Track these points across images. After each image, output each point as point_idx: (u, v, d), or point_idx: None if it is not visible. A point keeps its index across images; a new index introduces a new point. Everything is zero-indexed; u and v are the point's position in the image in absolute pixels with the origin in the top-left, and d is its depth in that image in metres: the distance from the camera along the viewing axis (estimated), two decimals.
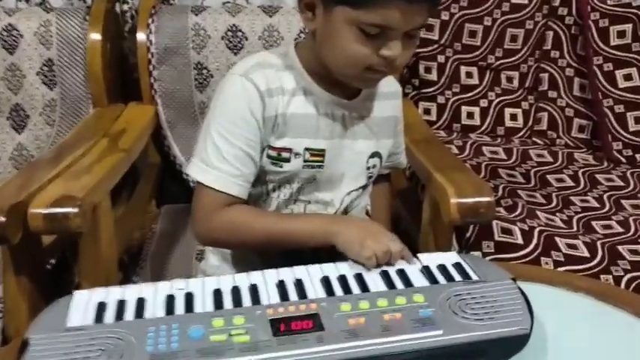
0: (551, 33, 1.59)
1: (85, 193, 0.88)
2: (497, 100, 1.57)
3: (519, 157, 1.46)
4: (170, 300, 0.66)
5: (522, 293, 0.66)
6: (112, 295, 0.67)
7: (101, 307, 0.65)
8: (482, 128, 1.56)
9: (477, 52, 1.57)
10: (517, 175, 1.37)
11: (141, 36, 1.31)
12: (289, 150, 0.81)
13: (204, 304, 0.65)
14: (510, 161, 1.45)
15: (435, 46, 1.56)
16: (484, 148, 1.48)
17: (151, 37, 1.31)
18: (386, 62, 0.73)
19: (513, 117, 1.57)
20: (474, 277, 0.70)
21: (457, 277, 0.70)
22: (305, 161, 0.82)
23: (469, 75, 1.57)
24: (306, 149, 0.81)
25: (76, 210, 0.84)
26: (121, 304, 0.65)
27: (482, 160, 1.42)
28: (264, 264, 0.82)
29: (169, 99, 1.34)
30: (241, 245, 0.83)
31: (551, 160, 1.47)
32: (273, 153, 0.81)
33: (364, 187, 0.90)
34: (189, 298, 0.66)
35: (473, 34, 1.55)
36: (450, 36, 1.55)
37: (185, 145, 1.36)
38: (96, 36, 1.29)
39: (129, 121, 1.25)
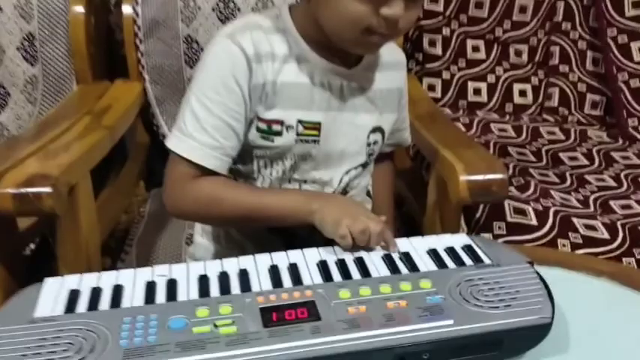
0: (562, 4, 1.53)
1: (61, 171, 0.81)
2: (506, 75, 1.52)
3: (529, 134, 1.41)
4: (150, 287, 0.62)
5: (541, 278, 0.61)
6: (86, 282, 0.63)
7: (73, 296, 0.61)
8: (490, 105, 1.51)
9: (484, 25, 1.51)
10: (528, 154, 1.31)
11: (127, 7, 1.23)
12: (280, 122, 0.74)
13: (188, 291, 0.61)
14: (520, 139, 1.39)
15: (440, 18, 1.49)
16: (492, 126, 1.43)
17: (138, 8, 1.23)
18: (387, 23, 0.67)
19: (522, 93, 1.51)
20: (487, 260, 0.65)
21: (468, 260, 0.65)
22: (298, 135, 0.75)
23: (476, 49, 1.51)
24: (300, 122, 0.75)
25: (49, 190, 0.77)
26: (96, 293, 0.61)
27: (490, 138, 1.36)
28: (258, 247, 0.80)
29: (157, 75, 1.27)
30: (212, 219, 0.79)
31: (563, 137, 1.42)
32: (263, 125, 0.74)
33: (365, 166, 0.84)
34: (171, 285, 0.62)
35: (480, 5, 1.49)
36: (455, 7, 1.49)
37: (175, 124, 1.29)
38: (79, 8, 1.21)
39: (114, 98, 1.18)
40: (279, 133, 0.75)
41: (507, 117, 1.50)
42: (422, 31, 1.49)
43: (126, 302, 0.59)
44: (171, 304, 0.59)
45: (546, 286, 0.61)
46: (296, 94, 0.74)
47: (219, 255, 0.84)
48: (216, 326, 0.54)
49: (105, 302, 0.59)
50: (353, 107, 0.79)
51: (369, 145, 0.82)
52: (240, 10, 1.25)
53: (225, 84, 0.71)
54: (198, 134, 0.71)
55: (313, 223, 0.71)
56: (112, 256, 1.06)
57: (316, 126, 0.76)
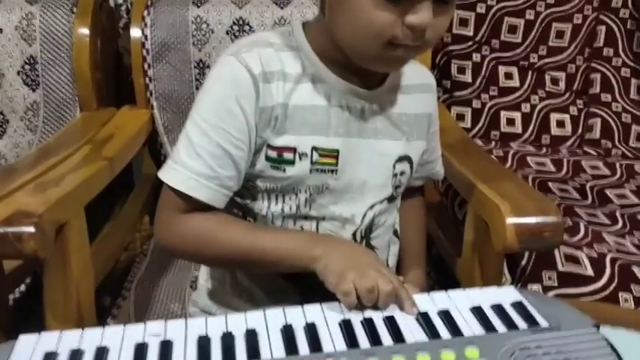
0: (603, 28, 1.45)
1: (47, 208, 0.71)
2: (542, 104, 1.42)
3: (571, 169, 1.31)
4: (140, 351, 0.54)
5: (612, 347, 0.53)
6: (65, 341, 0.55)
7: None
8: (525, 136, 1.42)
9: (518, 50, 1.43)
10: (571, 190, 1.20)
11: (135, 30, 1.17)
12: (293, 150, 0.66)
13: (184, 357, 0.53)
14: (561, 174, 1.29)
15: (470, 43, 1.42)
16: (529, 159, 1.33)
17: (146, 31, 1.17)
18: (413, 33, 0.59)
19: (560, 124, 1.42)
20: (543, 322, 0.57)
21: (520, 322, 0.57)
22: (313, 163, 0.67)
23: (509, 76, 1.43)
24: (315, 149, 0.67)
25: (31, 229, 0.67)
26: (75, 356, 0.53)
27: (528, 173, 1.26)
28: (269, 295, 0.73)
29: (166, 102, 1.19)
30: (203, 260, 0.73)
31: (608, 172, 1.31)
32: (273, 154, 0.66)
33: (391, 200, 0.75)
34: (165, 348, 0.54)
35: (513, 29, 1.42)
36: (486, 32, 1.42)
37: None
38: (83, 30, 1.15)
39: (118, 127, 1.10)
40: (291, 162, 0.67)
41: (544, 149, 1.40)
42: (450, 57, 1.42)
43: None
44: None
45: (618, 356, 0.52)
46: (311, 117, 0.66)
47: (224, 303, 0.76)
48: None
49: None
50: (375, 133, 0.71)
51: (395, 175, 0.73)
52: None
53: (227, 107, 0.64)
54: (192, 162, 0.64)
55: (314, 270, 0.63)
56: (106, 301, 0.96)
57: (333, 153, 0.68)
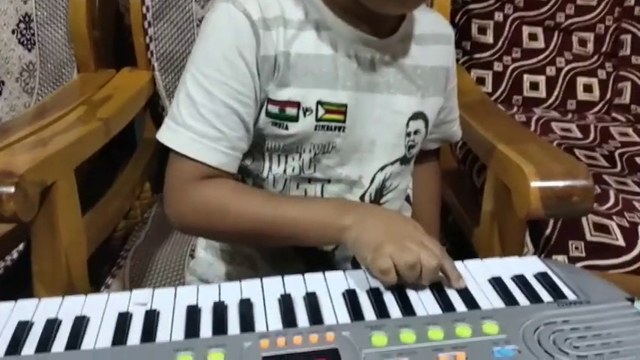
0: None
1: (29, 167, 0.67)
2: (568, 67, 1.37)
3: (598, 135, 1.26)
4: (123, 321, 0.50)
5: None
6: (43, 310, 0.52)
7: (22, 330, 0.49)
8: (549, 101, 1.36)
9: (543, 9, 1.37)
10: (599, 158, 1.15)
11: None
12: (296, 104, 0.61)
13: (171, 328, 0.49)
14: (588, 140, 1.24)
15: (491, 0, 1.36)
16: (554, 125, 1.27)
17: None
18: None
19: (587, 88, 1.37)
20: (571, 295, 0.52)
21: (545, 295, 0.52)
22: (318, 120, 0.62)
23: (533, 37, 1.37)
24: (320, 103, 0.61)
25: (11, 189, 0.63)
26: (52, 326, 0.50)
27: (552, 139, 1.21)
28: (273, 264, 0.69)
29: (168, 62, 1.14)
30: (216, 234, 0.66)
31: (637, 139, 1.26)
32: (275, 109, 0.61)
33: (404, 161, 0.69)
34: (150, 318, 0.50)
35: None
36: None
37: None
38: None
39: (116, 88, 1.05)
40: (294, 118, 0.61)
41: (570, 115, 1.35)
42: (470, 16, 1.36)
43: (88, 342, 0.48)
44: (146, 346, 0.47)
45: None
46: (315, 68, 0.61)
47: (224, 273, 0.72)
48: None
49: (61, 341, 0.48)
50: (387, 87, 0.65)
51: (408, 134, 0.68)
52: None
53: (228, 59, 0.59)
54: (196, 123, 0.59)
55: (345, 242, 0.57)
56: (103, 269, 0.92)
57: (341, 109, 0.63)
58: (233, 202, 0.60)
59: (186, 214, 0.61)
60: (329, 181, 0.66)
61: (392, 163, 0.68)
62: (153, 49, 1.13)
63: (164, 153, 1.24)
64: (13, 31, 1.13)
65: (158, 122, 1.18)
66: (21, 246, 0.94)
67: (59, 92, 1.07)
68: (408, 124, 0.67)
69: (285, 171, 0.65)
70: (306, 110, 0.61)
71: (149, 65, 1.14)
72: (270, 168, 0.65)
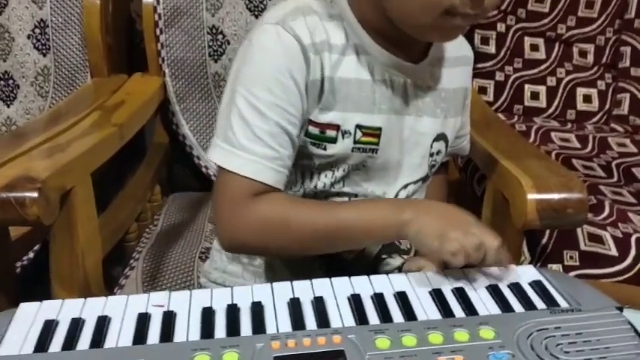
0: None
1: (51, 173, 0.69)
2: (568, 78, 1.38)
3: (596, 146, 1.27)
4: (142, 322, 0.53)
5: (635, 331, 0.51)
6: (67, 310, 0.55)
7: (48, 329, 0.52)
8: (550, 111, 1.37)
9: (545, 21, 1.38)
10: (596, 168, 1.17)
11: None
12: (336, 127, 0.63)
13: (187, 329, 0.52)
14: (586, 151, 1.25)
15: (495, 11, 1.37)
16: (553, 135, 1.29)
17: None
18: (472, 1, 0.56)
19: (587, 98, 1.38)
20: (563, 303, 0.55)
21: (539, 302, 0.55)
22: (356, 142, 0.64)
23: (534, 48, 1.38)
24: (359, 126, 0.63)
25: (34, 195, 0.66)
26: (76, 326, 0.52)
27: (551, 149, 1.23)
28: (291, 268, 0.71)
29: (178, 69, 1.17)
30: (278, 247, 0.65)
31: (635, 150, 1.27)
32: (315, 130, 0.63)
33: (425, 180, 0.72)
34: (168, 319, 0.53)
35: None
36: (512, 0, 1.36)
37: (196, 123, 1.19)
38: None
39: (129, 93, 1.08)
40: (333, 140, 0.63)
41: (569, 125, 1.36)
42: (473, 27, 1.37)
43: (110, 341, 0.50)
44: (165, 346, 0.49)
45: None
46: (356, 93, 0.63)
47: (241, 276, 0.74)
48: None
49: (85, 339, 0.50)
50: (416, 110, 0.68)
51: (431, 155, 0.71)
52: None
53: (280, 81, 0.60)
54: (252, 144, 0.60)
55: (406, 237, 0.60)
56: (116, 270, 0.95)
57: (376, 132, 0.65)
58: (293, 215, 0.61)
59: (244, 232, 0.62)
60: (356, 195, 0.68)
61: (414, 182, 0.70)
62: (164, 56, 1.16)
63: (173, 157, 1.28)
64: (28, 36, 1.16)
65: (168, 127, 1.21)
66: (36, 247, 0.97)
67: (73, 97, 1.10)
68: (431, 145, 0.70)
69: (316, 186, 0.67)
70: (345, 133, 0.63)
71: (160, 71, 1.16)
72: (303, 183, 0.67)
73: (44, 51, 1.17)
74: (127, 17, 1.28)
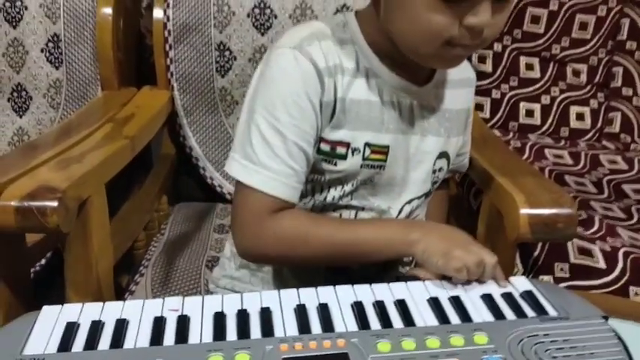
0: (627, 21, 1.41)
1: (70, 184, 0.72)
2: (562, 96, 1.41)
3: (588, 162, 1.30)
4: (158, 325, 0.56)
5: (619, 338, 0.54)
6: (87, 313, 0.58)
7: (70, 330, 0.55)
8: (544, 128, 1.41)
9: (540, 41, 1.41)
10: (587, 184, 1.20)
11: (157, 11, 1.17)
12: (346, 145, 0.67)
13: (201, 332, 0.55)
14: (578, 167, 1.28)
15: None
16: (547, 151, 1.32)
17: (169, 12, 1.17)
18: (471, 34, 0.59)
19: (580, 116, 1.41)
20: (552, 312, 0.57)
21: (530, 311, 0.58)
22: (365, 159, 0.68)
23: (529, 67, 1.42)
24: (367, 144, 0.67)
25: (54, 204, 0.69)
26: (97, 328, 0.55)
27: (544, 165, 1.26)
28: (297, 276, 0.73)
29: (186, 83, 1.20)
30: (295, 260, 0.70)
31: (626, 167, 1.30)
32: (326, 147, 0.67)
33: (427, 195, 0.76)
34: (182, 323, 0.55)
35: (536, 19, 1.39)
36: (508, 21, 1.39)
37: (203, 136, 1.22)
38: (107, 10, 1.15)
39: (139, 106, 1.11)
40: (343, 157, 0.67)
41: (562, 142, 1.39)
42: None
43: (129, 342, 0.53)
44: (180, 347, 0.53)
45: (626, 349, 0.52)
46: (365, 113, 0.67)
47: (249, 282, 0.78)
48: None
49: (105, 341, 0.53)
50: (421, 129, 0.71)
51: (434, 172, 0.75)
52: (276, 17, 1.18)
53: (297, 103, 0.63)
54: (272, 163, 0.64)
55: (414, 255, 0.65)
56: (125, 278, 0.98)
57: (384, 150, 0.68)
58: (312, 230, 0.65)
59: (266, 246, 0.65)
60: (363, 208, 0.71)
61: (418, 197, 0.74)
62: (173, 70, 1.18)
63: (179, 168, 1.30)
64: (42, 50, 1.19)
65: (175, 139, 1.24)
66: (49, 254, 0.99)
67: (84, 109, 1.12)
68: (434, 163, 0.74)
69: (325, 199, 0.70)
70: (354, 150, 0.67)
71: (168, 85, 1.19)
72: (313, 195, 0.70)
73: (57, 64, 1.19)
74: (137, 33, 1.31)
